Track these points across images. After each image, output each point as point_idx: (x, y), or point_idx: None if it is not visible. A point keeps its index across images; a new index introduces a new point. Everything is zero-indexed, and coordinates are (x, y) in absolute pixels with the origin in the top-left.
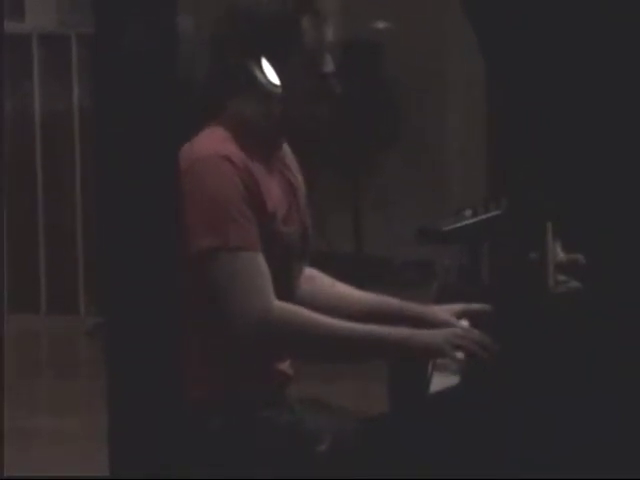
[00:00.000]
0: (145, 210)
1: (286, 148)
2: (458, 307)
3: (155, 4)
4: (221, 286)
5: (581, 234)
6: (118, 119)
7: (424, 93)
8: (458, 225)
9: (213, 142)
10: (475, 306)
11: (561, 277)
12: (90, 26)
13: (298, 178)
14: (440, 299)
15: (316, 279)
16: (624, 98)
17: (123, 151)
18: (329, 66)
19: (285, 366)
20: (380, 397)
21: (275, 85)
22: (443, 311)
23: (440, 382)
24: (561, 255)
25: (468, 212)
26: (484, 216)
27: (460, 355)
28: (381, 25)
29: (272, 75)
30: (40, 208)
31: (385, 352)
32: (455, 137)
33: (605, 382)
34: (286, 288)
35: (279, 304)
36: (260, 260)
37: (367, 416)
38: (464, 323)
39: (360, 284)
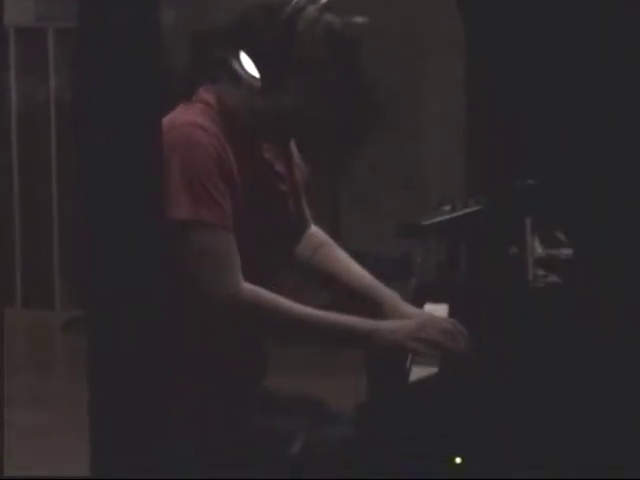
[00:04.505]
0: (128, 203)
1: (294, 149)
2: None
3: None
4: (190, 261)
5: (562, 227)
6: (99, 110)
7: (404, 89)
8: (437, 220)
9: (189, 114)
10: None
11: (540, 272)
12: (67, 20)
13: (298, 176)
14: (417, 294)
15: (323, 247)
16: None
17: (102, 144)
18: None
19: (258, 356)
20: (358, 391)
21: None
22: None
23: (419, 373)
24: (539, 250)
25: (447, 207)
26: (463, 211)
27: (424, 349)
28: (359, 20)
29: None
30: (15, 201)
31: (351, 344)
32: (435, 131)
33: (588, 376)
34: (262, 267)
35: (248, 286)
36: (231, 239)
37: (346, 409)
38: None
39: None
